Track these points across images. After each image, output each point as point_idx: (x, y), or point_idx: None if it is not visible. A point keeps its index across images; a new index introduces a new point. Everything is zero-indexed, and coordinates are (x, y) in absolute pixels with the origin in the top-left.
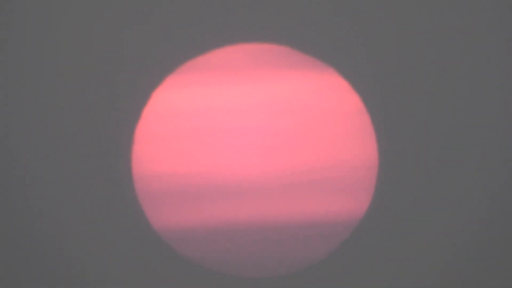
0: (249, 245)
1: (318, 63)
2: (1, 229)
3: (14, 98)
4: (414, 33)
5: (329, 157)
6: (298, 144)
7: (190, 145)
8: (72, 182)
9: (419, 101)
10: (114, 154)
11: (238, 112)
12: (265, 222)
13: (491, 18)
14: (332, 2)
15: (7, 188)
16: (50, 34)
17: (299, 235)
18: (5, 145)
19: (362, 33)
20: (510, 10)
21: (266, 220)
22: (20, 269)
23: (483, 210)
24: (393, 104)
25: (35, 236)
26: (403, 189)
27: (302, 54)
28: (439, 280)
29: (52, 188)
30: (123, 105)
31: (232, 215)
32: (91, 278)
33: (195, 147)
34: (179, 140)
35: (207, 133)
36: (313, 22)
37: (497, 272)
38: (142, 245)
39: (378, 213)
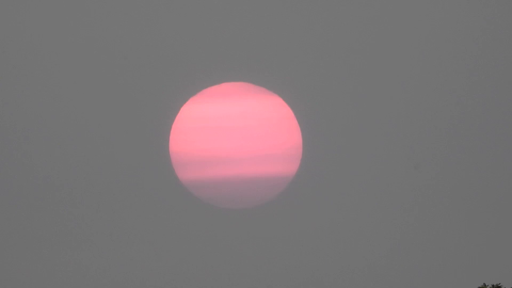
0: (232, 192)
1: (267, 92)
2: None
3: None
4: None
5: (273, 142)
6: (256, 135)
7: (203, 135)
8: (130, 153)
9: (330, 110)
10: (161, 141)
11: (228, 116)
12: (239, 177)
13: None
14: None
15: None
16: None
17: (256, 185)
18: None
19: (297, 71)
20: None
21: (240, 176)
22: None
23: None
24: (311, 114)
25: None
26: (319, 160)
27: (259, 87)
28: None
29: (117, 157)
30: (169, 111)
31: (224, 174)
32: (134, 210)
33: (207, 137)
34: (195, 132)
35: (212, 129)
36: (268, 67)
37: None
38: (173, 191)
39: (303, 174)
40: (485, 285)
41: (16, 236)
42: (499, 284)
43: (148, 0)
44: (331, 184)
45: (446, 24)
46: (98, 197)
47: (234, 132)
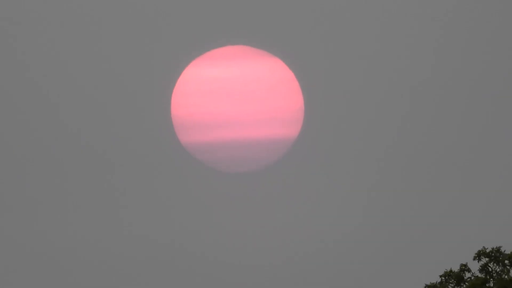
0: (234, 155)
1: (268, 55)
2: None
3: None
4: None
5: (275, 105)
6: (257, 98)
7: (205, 98)
8: (135, 117)
9: (331, 73)
10: (162, 104)
11: (230, 79)
12: (241, 140)
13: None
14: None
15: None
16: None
17: (258, 147)
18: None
19: (297, 37)
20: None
21: (241, 139)
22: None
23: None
24: (312, 76)
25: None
26: (321, 122)
27: (260, 50)
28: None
29: (124, 122)
30: (171, 74)
31: (226, 137)
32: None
33: (209, 100)
34: (196, 95)
35: (213, 92)
36: (269, 30)
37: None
38: (176, 154)
39: (305, 136)
40: (484, 248)
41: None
42: (499, 247)
43: None
44: (334, 146)
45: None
46: (101, 159)
47: (236, 95)
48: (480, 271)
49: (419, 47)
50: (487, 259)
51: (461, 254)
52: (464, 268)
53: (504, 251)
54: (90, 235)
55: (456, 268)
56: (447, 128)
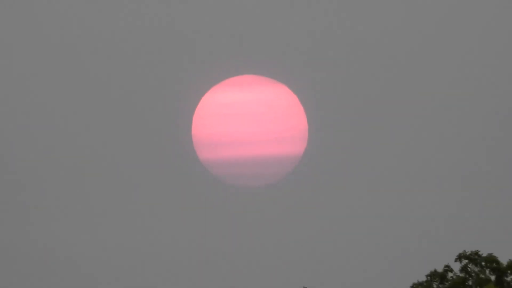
0: (246, 171)
1: (275, 82)
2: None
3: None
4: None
5: (282, 127)
6: (266, 120)
7: (221, 120)
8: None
9: (332, 96)
10: (184, 125)
11: (243, 104)
12: (252, 158)
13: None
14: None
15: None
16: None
17: (271, 163)
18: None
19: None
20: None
21: (252, 156)
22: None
23: None
24: (314, 100)
25: None
26: (324, 141)
27: (269, 78)
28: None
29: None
30: (193, 99)
31: (239, 155)
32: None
33: (224, 121)
34: (214, 117)
35: (228, 115)
36: (275, 61)
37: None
38: (194, 170)
39: (310, 154)
40: (465, 251)
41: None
42: (478, 250)
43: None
44: (336, 163)
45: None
46: (126, 174)
47: (248, 117)
48: (461, 271)
49: (421, 79)
50: (467, 260)
51: (444, 256)
52: (447, 268)
53: (482, 254)
54: (112, 244)
55: (440, 269)
56: (443, 141)
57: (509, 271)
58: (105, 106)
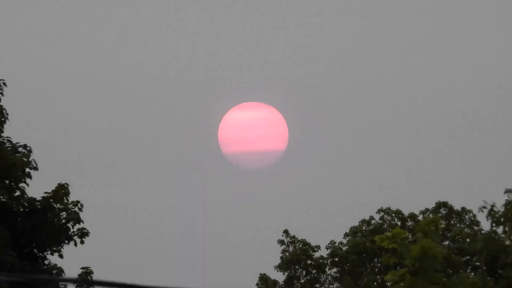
0: (248, 158)
1: (267, 105)
2: None
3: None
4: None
5: (271, 133)
6: (260, 129)
7: (235, 129)
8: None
9: (307, 117)
10: (213, 133)
11: (248, 120)
12: (253, 150)
13: None
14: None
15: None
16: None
17: (264, 154)
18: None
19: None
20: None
21: (253, 149)
22: None
23: None
24: (294, 118)
25: None
26: (298, 143)
27: (264, 103)
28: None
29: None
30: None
31: (245, 149)
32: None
33: (237, 130)
34: (231, 127)
35: (240, 125)
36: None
37: None
38: (218, 159)
39: (289, 150)
40: (382, 207)
41: None
42: (389, 207)
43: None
44: (307, 155)
45: None
46: (173, 160)
47: (250, 127)
48: (379, 219)
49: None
50: (383, 213)
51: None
52: (371, 218)
53: (392, 209)
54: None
55: (367, 218)
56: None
57: (409, 219)
58: (159, 120)
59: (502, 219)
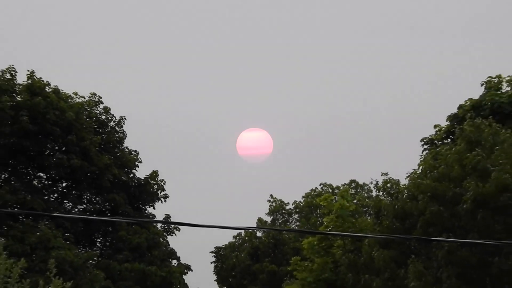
0: (250, 156)
1: (261, 129)
2: None
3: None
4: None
5: (261, 145)
6: (259, 140)
7: (247, 142)
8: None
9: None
10: (233, 144)
11: (251, 138)
12: (253, 153)
13: None
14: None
15: None
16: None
17: (258, 155)
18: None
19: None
20: None
21: (252, 153)
22: None
23: None
24: (278, 136)
25: None
26: (279, 151)
27: (259, 128)
28: None
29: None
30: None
31: (249, 152)
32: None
33: (248, 142)
34: (245, 141)
35: (248, 140)
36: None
37: None
38: (236, 157)
39: (273, 154)
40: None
41: None
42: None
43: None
44: (285, 158)
45: None
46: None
47: (252, 142)
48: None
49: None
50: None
51: None
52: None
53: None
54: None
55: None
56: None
57: (336, 189)
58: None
59: (383, 188)
